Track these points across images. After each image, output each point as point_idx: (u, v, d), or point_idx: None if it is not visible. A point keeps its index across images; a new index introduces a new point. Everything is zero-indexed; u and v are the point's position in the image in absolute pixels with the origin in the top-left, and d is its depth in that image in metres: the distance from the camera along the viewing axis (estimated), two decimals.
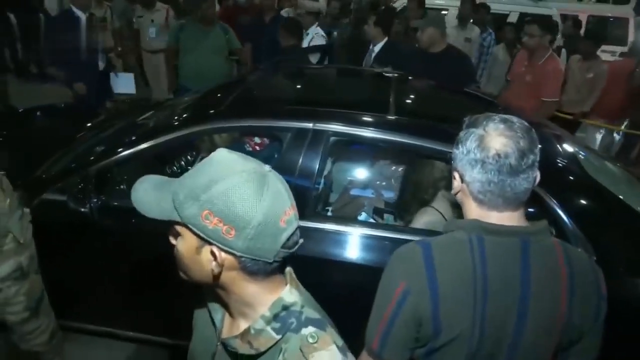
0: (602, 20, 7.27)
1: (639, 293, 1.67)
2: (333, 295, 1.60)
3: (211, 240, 0.73)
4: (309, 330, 0.76)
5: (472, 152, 0.97)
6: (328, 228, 1.89)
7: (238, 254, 0.73)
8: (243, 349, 0.79)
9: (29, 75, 6.57)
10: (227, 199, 0.70)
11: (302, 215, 1.80)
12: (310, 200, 1.91)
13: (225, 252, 0.73)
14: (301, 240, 0.78)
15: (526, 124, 0.99)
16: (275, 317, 0.78)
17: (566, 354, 1.05)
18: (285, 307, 0.78)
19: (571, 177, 1.91)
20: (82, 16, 3.76)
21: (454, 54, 3.53)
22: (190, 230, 0.74)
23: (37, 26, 4.04)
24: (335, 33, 4.78)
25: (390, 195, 2.65)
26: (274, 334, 0.77)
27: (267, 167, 0.76)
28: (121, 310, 2.15)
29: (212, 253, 0.74)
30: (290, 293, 0.80)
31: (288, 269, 0.84)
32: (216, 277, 0.77)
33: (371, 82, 2.89)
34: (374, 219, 2.41)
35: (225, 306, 0.85)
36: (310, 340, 0.74)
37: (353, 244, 1.87)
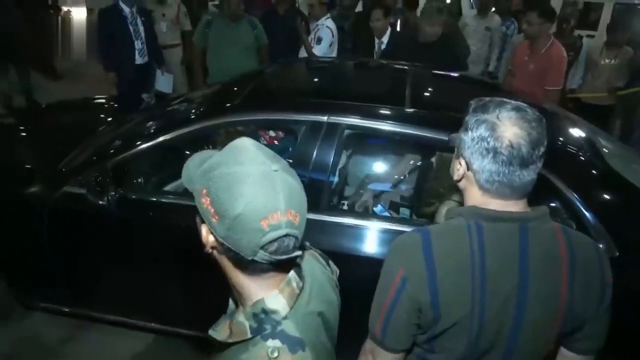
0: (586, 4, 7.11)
1: None
2: (347, 289, 1.61)
3: (203, 218, 0.75)
4: (275, 343, 0.74)
5: (484, 141, 0.94)
6: (343, 221, 1.89)
7: (220, 239, 0.73)
8: (223, 333, 0.80)
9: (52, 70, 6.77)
10: (219, 184, 0.71)
11: (317, 209, 1.85)
12: (324, 193, 1.90)
13: (212, 234, 0.75)
14: (298, 253, 0.76)
15: (538, 113, 0.97)
16: (255, 316, 0.77)
17: (569, 340, 1.03)
18: (265, 311, 0.76)
19: (592, 170, 1.86)
20: (127, 9, 3.82)
21: (448, 41, 3.52)
22: (196, 204, 0.77)
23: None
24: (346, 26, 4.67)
25: (406, 188, 2.63)
26: (248, 331, 0.76)
27: (275, 166, 0.73)
28: (140, 301, 2.19)
29: (201, 231, 0.77)
30: (275, 299, 0.77)
31: (291, 275, 0.80)
32: (210, 255, 0.79)
33: (386, 74, 2.86)
34: (389, 213, 2.39)
35: (231, 291, 0.86)
36: (270, 355, 0.72)
37: (367, 237, 1.86)
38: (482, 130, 0.95)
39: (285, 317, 0.77)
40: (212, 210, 0.72)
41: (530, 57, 3.46)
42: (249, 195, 0.70)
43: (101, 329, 2.39)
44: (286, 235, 0.72)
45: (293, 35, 4.35)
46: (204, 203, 0.73)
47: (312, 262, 0.91)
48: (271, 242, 0.71)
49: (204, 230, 0.76)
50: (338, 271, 0.99)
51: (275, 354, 0.72)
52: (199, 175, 0.76)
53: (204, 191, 0.73)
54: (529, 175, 0.95)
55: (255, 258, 0.72)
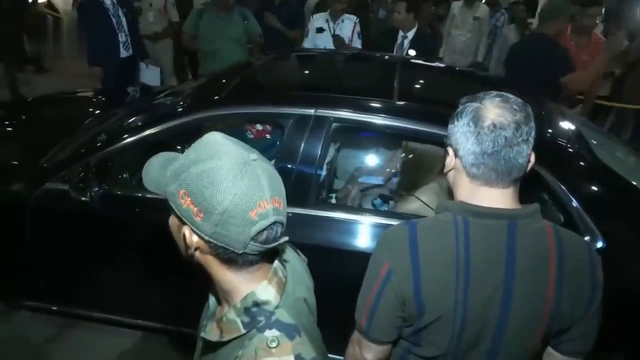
0: None
1: None
2: (336, 283, 1.60)
3: (184, 220, 0.73)
4: (272, 333, 0.74)
5: (467, 124, 0.96)
6: (331, 216, 1.87)
7: (206, 238, 0.72)
8: (213, 334, 0.79)
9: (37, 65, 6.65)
10: (200, 182, 0.70)
11: (305, 203, 1.83)
12: (312, 187, 1.88)
13: (196, 234, 0.73)
14: (285, 238, 0.75)
15: (521, 100, 0.98)
16: (246, 310, 0.76)
17: (557, 340, 1.03)
18: (257, 304, 0.76)
19: (580, 161, 1.86)
20: (108, 1, 3.74)
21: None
22: (172, 207, 0.75)
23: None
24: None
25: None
26: (241, 327, 0.76)
27: (253, 156, 0.73)
28: (125, 298, 2.16)
29: (184, 234, 0.74)
30: (265, 290, 0.77)
31: (276, 264, 0.81)
32: (192, 257, 0.77)
33: (375, 66, 2.83)
34: (374, 206, 2.38)
35: (214, 290, 0.85)
36: (270, 345, 0.72)
37: (357, 232, 1.85)
38: (466, 116, 0.96)
39: (277, 307, 0.77)
40: (195, 209, 0.70)
41: (580, 48, 3.53)
42: (234, 188, 0.69)
43: (87, 327, 2.36)
44: (274, 223, 0.72)
45: (292, 25, 4.30)
46: (184, 204, 0.71)
47: (287, 250, 0.91)
48: (261, 231, 0.71)
49: (186, 231, 0.74)
50: (307, 259, 0.99)
51: (275, 344, 0.72)
52: (170, 177, 0.74)
53: (182, 192, 0.71)
54: (514, 158, 0.94)
55: (246, 250, 0.72)
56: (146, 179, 0.79)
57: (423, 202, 1.97)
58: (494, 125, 0.93)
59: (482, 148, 0.94)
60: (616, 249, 1.63)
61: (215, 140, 0.75)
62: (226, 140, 0.76)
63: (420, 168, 2.11)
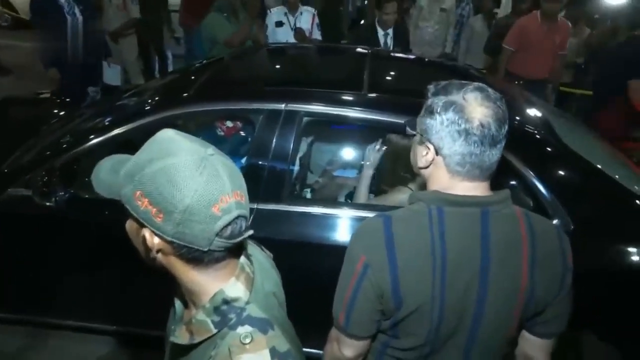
0: None
1: (618, 262, 1.68)
2: (311, 278, 1.59)
3: (143, 222, 0.70)
4: (245, 329, 0.72)
5: (454, 123, 0.93)
6: (306, 210, 1.86)
7: (168, 238, 0.69)
8: (183, 337, 0.77)
9: None
10: (157, 181, 0.67)
11: (277, 199, 1.81)
12: (285, 182, 1.87)
13: (158, 235, 0.70)
14: (250, 232, 0.73)
15: (498, 94, 0.97)
16: (216, 309, 0.74)
17: (531, 323, 1.04)
18: (226, 301, 0.74)
19: (547, 147, 1.90)
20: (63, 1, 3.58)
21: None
22: (128, 210, 0.72)
23: None
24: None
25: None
26: (212, 327, 0.74)
27: (210, 150, 0.71)
28: (97, 304, 2.10)
29: (143, 236, 0.71)
30: (233, 287, 0.75)
31: (242, 260, 0.79)
32: (154, 260, 0.74)
33: (345, 59, 2.83)
34: (351, 199, 2.38)
35: (180, 293, 0.82)
36: (243, 341, 0.70)
37: (332, 225, 1.84)
38: (450, 113, 0.93)
39: (247, 302, 0.76)
40: (154, 210, 0.68)
41: (549, 32, 3.81)
42: (194, 184, 0.67)
43: (61, 335, 2.30)
44: (238, 217, 0.70)
45: None
46: (141, 205, 0.69)
47: (251, 245, 0.90)
48: (225, 226, 0.69)
49: (146, 234, 0.71)
50: (272, 255, 0.98)
51: (248, 339, 0.71)
52: (124, 179, 0.71)
53: (138, 193, 0.69)
54: (496, 155, 0.95)
55: (211, 247, 0.70)
56: (97, 183, 0.76)
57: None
58: (482, 126, 0.92)
59: (470, 149, 0.93)
60: (584, 231, 1.67)
61: (168, 137, 0.72)
62: (180, 136, 0.73)
63: (405, 161, 2.10)
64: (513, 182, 1.77)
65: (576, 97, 4.49)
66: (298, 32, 3.93)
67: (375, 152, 2.12)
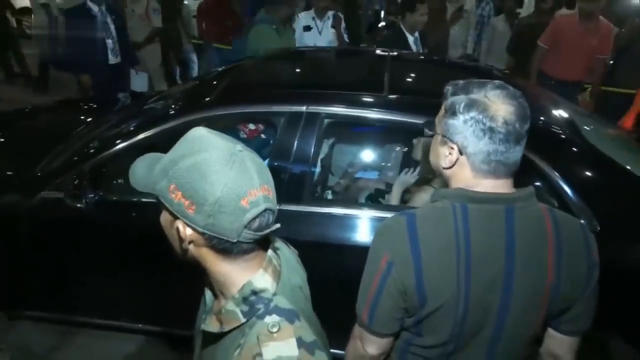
0: None
1: None
2: (334, 278, 1.60)
3: (177, 215, 0.74)
4: (273, 318, 0.75)
5: (479, 122, 0.93)
6: (327, 211, 1.87)
7: (200, 230, 0.73)
8: (214, 326, 0.80)
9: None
10: (189, 175, 0.71)
11: (299, 200, 1.83)
12: (306, 184, 1.89)
13: (190, 227, 0.74)
14: (277, 225, 0.76)
15: (519, 91, 0.97)
16: (245, 300, 0.77)
17: (557, 321, 1.04)
18: (254, 292, 0.77)
19: (572, 147, 1.87)
20: (95, 8, 3.73)
21: None
22: (163, 203, 0.75)
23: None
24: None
25: (392, 175, 2.62)
26: (241, 316, 0.77)
27: (239, 147, 0.75)
28: (126, 303, 2.16)
29: (177, 228, 0.75)
30: (261, 278, 0.78)
31: (270, 253, 0.82)
32: (186, 252, 0.78)
33: (365, 61, 2.84)
34: (372, 201, 2.39)
35: (210, 284, 0.86)
36: (271, 330, 0.73)
37: (353, 226, 1.85)
38: (474, 112, 0.93)
39: (275, 294, 0.78)
40: (187, 202, 0.72)
41: (587, 32, 3.66)
42: (224, 178, 0.70)
43: (90, 333, 2.36)
44: (265, 210, 0.73)
45: None
46: (175, 198, 0.73)
47: (278, 241, 0.93)
48: (253, 219, 0.72)
49: (179, 225, 0.75)
50: (297, 252, 1.00)
51: (276, 328, 0.73)
52: (158, 174, 0.75)
53: (172, 187, 0.73)
54: (520, 151, 0.96)
55: (240, 239, 0.73)
56: (133, 179, 0.80)
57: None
58: (507, 123, 0.92)
59: (495, 147, 0.93)
60: (611, 232, 1.64)
61: (200, 135, 0.76)
62: (211, 134, 0.77)
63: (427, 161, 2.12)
64: (538, 183, 1.75)
65: (607, 95, 4.38)
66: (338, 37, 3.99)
67: (409, 176, 2.14)
